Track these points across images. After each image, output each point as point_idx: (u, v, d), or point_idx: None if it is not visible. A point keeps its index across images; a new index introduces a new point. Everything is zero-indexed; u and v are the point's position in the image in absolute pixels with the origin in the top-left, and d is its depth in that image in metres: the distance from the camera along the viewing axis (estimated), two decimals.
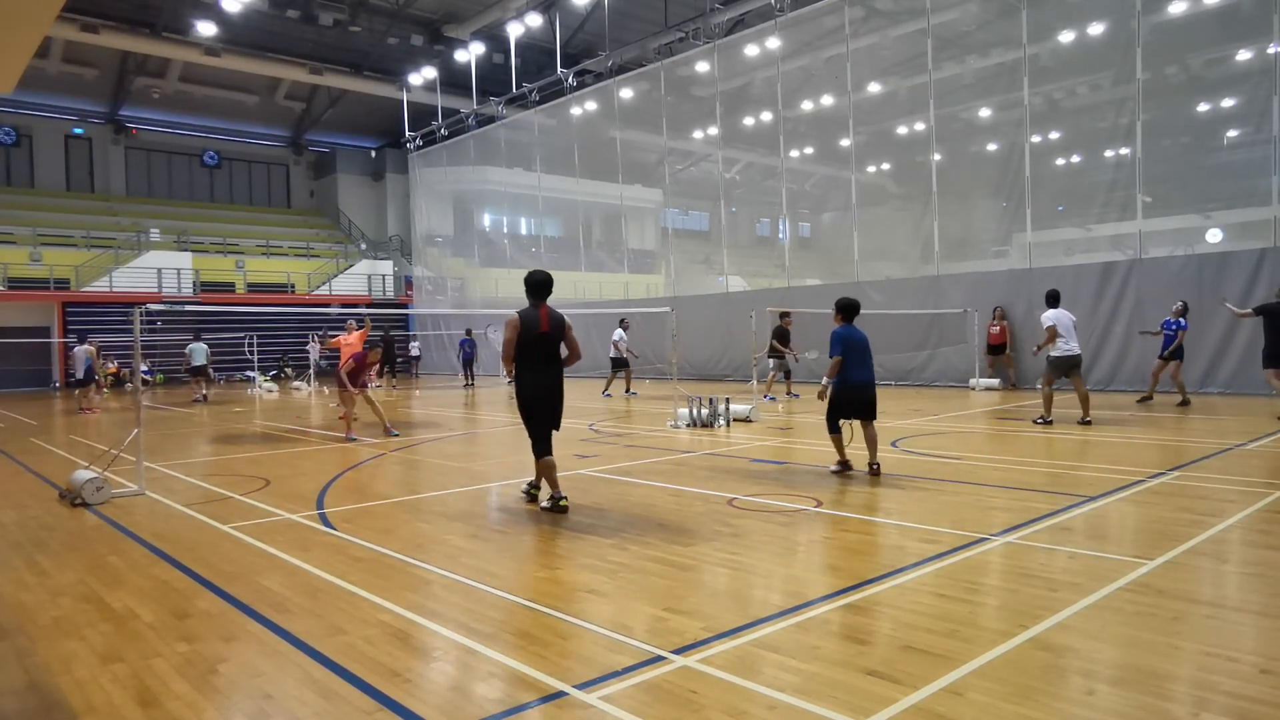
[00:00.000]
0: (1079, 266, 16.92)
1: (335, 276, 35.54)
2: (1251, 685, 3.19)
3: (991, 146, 19.73)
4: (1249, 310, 11.77)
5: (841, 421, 8.03)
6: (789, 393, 16.86)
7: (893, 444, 10.01)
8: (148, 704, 3.33)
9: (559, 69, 27.06)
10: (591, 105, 27.55)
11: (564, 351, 6.88)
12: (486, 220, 35.23)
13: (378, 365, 12.95)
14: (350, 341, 14.79)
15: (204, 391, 21.22)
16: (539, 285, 6.72)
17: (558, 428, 6.87)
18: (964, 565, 4.88)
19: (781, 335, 16.32)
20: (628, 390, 19.33)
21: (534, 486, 7.15)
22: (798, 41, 22.04)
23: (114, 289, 29.59)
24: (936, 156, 19.17)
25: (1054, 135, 18.92)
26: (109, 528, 6.56)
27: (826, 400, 8.00)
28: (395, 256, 38.73)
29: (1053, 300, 11.43)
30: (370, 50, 32.69)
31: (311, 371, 26.49)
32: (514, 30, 28.20)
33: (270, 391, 24.25)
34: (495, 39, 30.68)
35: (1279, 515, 5.87)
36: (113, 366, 26.60)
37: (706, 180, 26.25)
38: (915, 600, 4.30)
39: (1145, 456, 8.63)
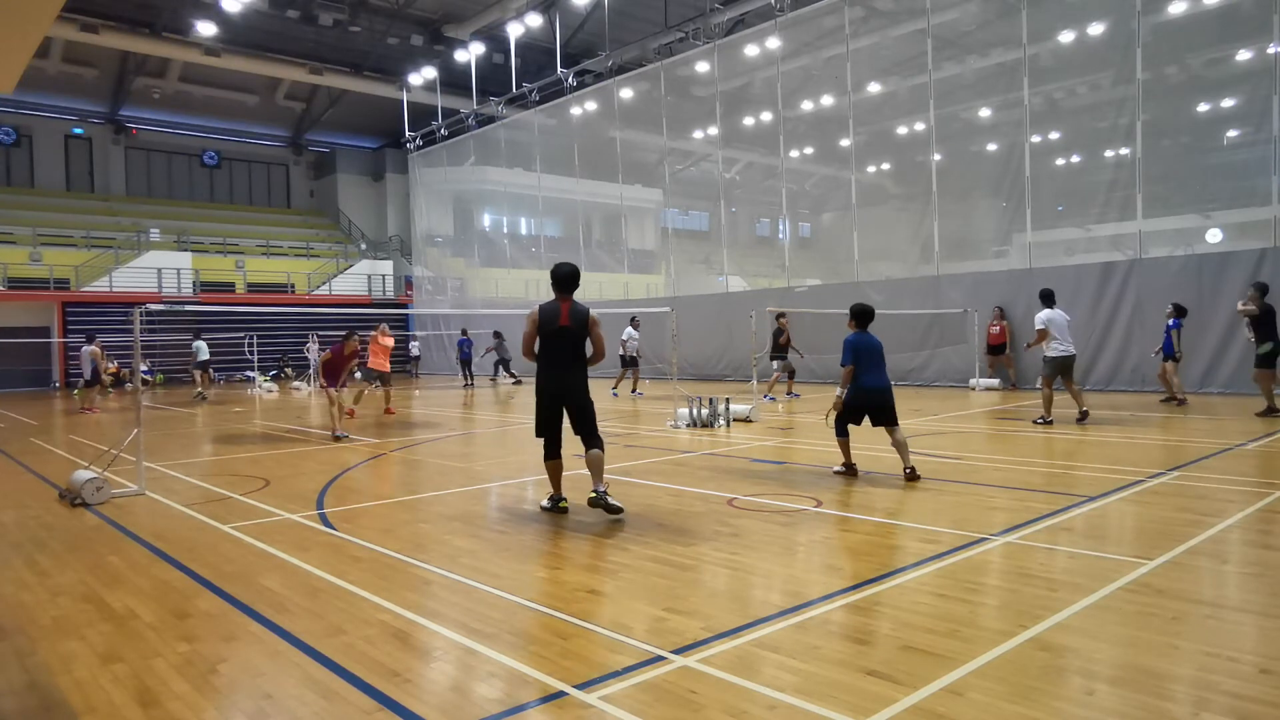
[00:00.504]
0: (1079, 266, 16.92)
1: (335, 276, 35.55)
2: (1251, 685, 3.19)
3: (991, 146, 19.73)
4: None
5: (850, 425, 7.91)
6: (789, 393, 16.86)
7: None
8: (148, 704, 3.32)
9: (559, 69, 27.07)
10: (591, 105, 27.55)
11: (590, 349, 6.52)
12: (486, 220, 35.23)
13: (355, 361, 12.99)
14: (383, 343, 15.03)
15: (200, 390, 21.32)
16: (562, 278, 6.38)
17: (578, 431, 6.44)
18: (964, 565, 4.88)
19: (781, 336, 16.35)
20: (634, 390, 19.33)
21: (558, 500, 6.67)
22: (798, 41, 22.04)
23: (114, 289, 29.60)
24: (936, 156, 19.17)
25: (1054, 135, 18.92)
26: (109, 528, 6.56)
27: (838, 407, 7.86)
28: (395, 256, 38.73)
29: (1047, 300, 11.48)
30: (370, 50, 32.70)
31: (311, 371, 26.47)
32: (514, 30, 28.20)
33: (270, 391, 24.25)
34: (495, 39, 30.68)
35: (1279, 515, 5.87)
36: (112, 366, 26.61)
37: (706, 180, 26.26)
38: (915, 600, 4.30)
39: (1145, 456, 8.63)
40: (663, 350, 18.49)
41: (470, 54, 29.85)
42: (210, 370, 21.99)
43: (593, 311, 6.50)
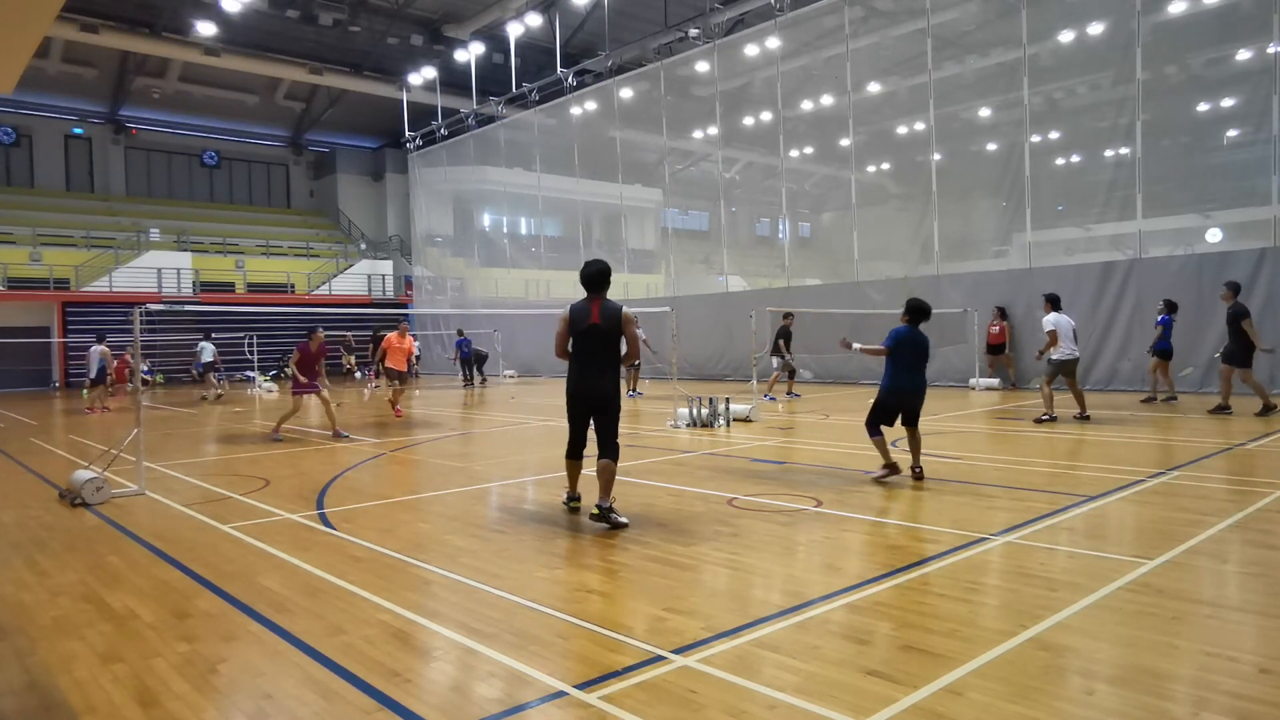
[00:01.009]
0: (1079, 266, 16.92)
1: (335, 276, 35.54)
2: (1251, 685, 3.19)
3: (991, 146, 19.73)
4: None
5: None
6: (789, 393, 16.86)
7: (893, 444, 10.00)
8: (148, 704, 3.33)
9: (559, 69, 27.07)
10: (591, 105, 27.55)
11: (624, 348, 6.37)
12: (486, 220, 35.23)
13: (320, 361, 12.97)
14: (399, 345, 14.95)
15: (204, 392, 21.38)
16: (591, 276, 6.22)
17: (601, 435, 6.25)
18: (964, 565, 4.88)
19: (785, 335, 16.34)
20: (633, 390, 19.32)
21: (573, 499, 6.63)
22: (797, 41, 22.04)
23: (114, 289, 29.59)
24: (936, 156, 19.17)
25: (1054, 135, 18.92)
26: (109, 528, 6.56)
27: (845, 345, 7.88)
28: (395, 256, 38.72)
29: (1054, 304, 11.70)
30: (370, 50, 32.69)
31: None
32: (514, 30, 28.19)
33: (270, 391, 24.25)
34: (495, 39, 30.67)
35: (1279, 515, 5.87)
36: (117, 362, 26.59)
37: (706, 180, 26.25)
38: (915, 600, 4.30)
39: (1145, 456, 8.63)
40: (663, 350, 18.47)
41: (470, 54, 29.84)
42: (212, 373, 22.04)
43: (626, 309, 6.31)
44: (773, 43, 21.87)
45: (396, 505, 7.26)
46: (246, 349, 26.51)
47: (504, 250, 33.05)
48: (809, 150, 24.38)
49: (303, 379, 12.54)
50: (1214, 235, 16.61)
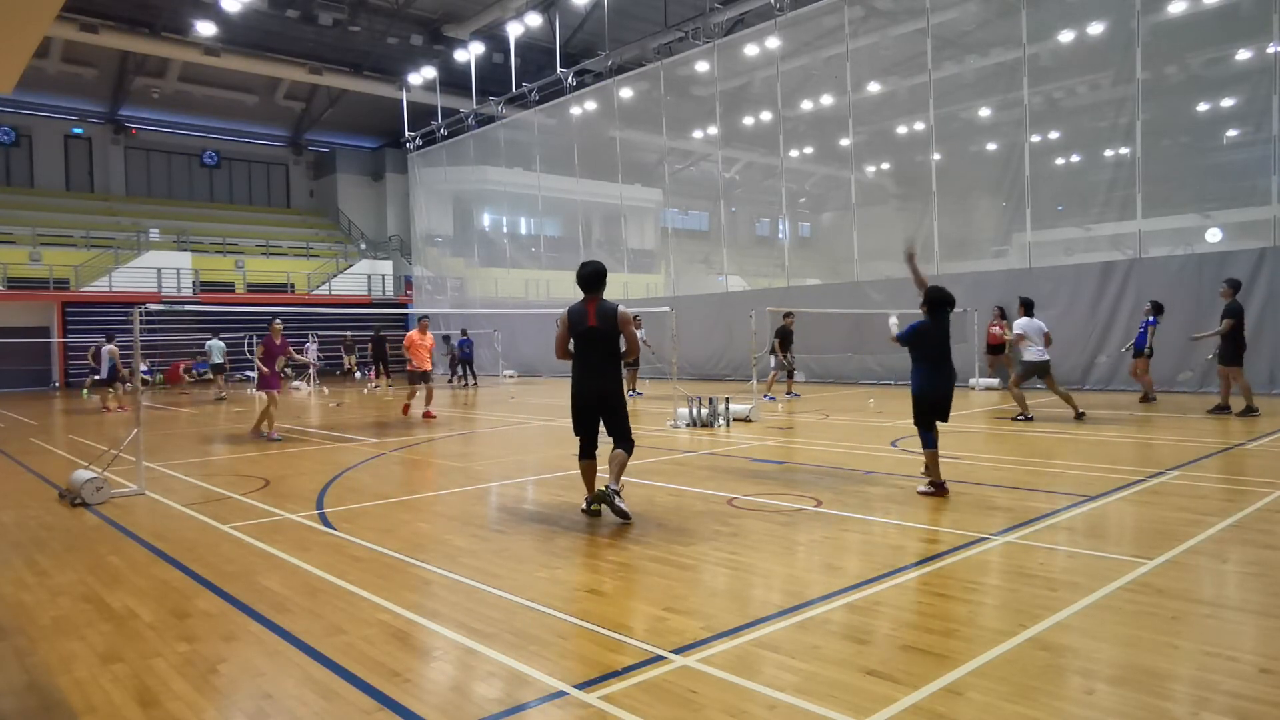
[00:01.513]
0: (1079, 266, 16.92)
1: (335, 276, 35.54)
2: (1251, 685, 3.19)
3: (991, 146, 19.74)
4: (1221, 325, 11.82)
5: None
6: (789, 392, 16.87)
7: (893, 444, 10.01)
8: (148, 704, 3.33)
9: (559, 69, 27.07)
10: (591, 105, 27.55)
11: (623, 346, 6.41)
12: (486, 220, 35.23)
13: (284, 357, 12.91)
14: (421, 342, 14.69)
15: (219, 392, 21.53)
16: (586, 278, 6.34)
17: (612, 433, 6.34)
18: (964, 565, 4.88)
19: (784, 335, 16.33)
20: (632, 390, 19.30)
21: (592, 503, 6.50)
22: (797, 41, 22.04)
23: (114, 289, 29.58)
24: (936, 156, 19.17)
25: (1054, 135, 18.92)
26: (109, 528, 6.56)
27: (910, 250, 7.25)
28: (395, 256, 38.72)
29: (1028, 308, 12.11)
30: (370, 50, 32.69)
31: (311, 372, 26.49)
32: (514, 30, 28.20)
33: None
34: (495, 39, 30.67)
35: (1279, 515, 5.87)
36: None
37: (706, 180, 26.26)
38: (915, 600, 4.30)
39: (1145, 456, 8.63)
40: (663, 350, 18.49)
41: (470, 54, 29.85)
42: (221, 374, 22.15)
43: (622, 308, 6.40)
44: (772, 43, 21.87)
45: (396, 505, 7.26)
46: (246, 349, 26.50)
47: (504, 250, 33.05)
48: (809, 150, 24.39)
49: (265, 371, 12.49)
50: (1214, 235, 16.62)
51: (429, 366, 15.19)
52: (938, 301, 6.92)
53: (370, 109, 37.49)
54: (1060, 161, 19.14)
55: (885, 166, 22.66)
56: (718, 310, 23.04)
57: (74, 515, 7.09)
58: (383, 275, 37.03)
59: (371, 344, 24.64)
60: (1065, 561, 4.90)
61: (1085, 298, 16.15)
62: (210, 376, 22.61)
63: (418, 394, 15.37)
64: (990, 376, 17.53)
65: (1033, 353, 11.67)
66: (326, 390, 24.52)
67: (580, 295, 6.44)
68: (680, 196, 28.57)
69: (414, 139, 34.73)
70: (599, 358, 6.29)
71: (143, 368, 19.33)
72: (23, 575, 5.26)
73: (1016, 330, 11.85)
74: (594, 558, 5.32)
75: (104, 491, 7.54)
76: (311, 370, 26.07)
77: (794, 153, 23.73)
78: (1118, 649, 3.57)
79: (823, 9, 20.75)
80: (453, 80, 32.26)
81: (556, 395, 20.02)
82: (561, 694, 3.28)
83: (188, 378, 28.47)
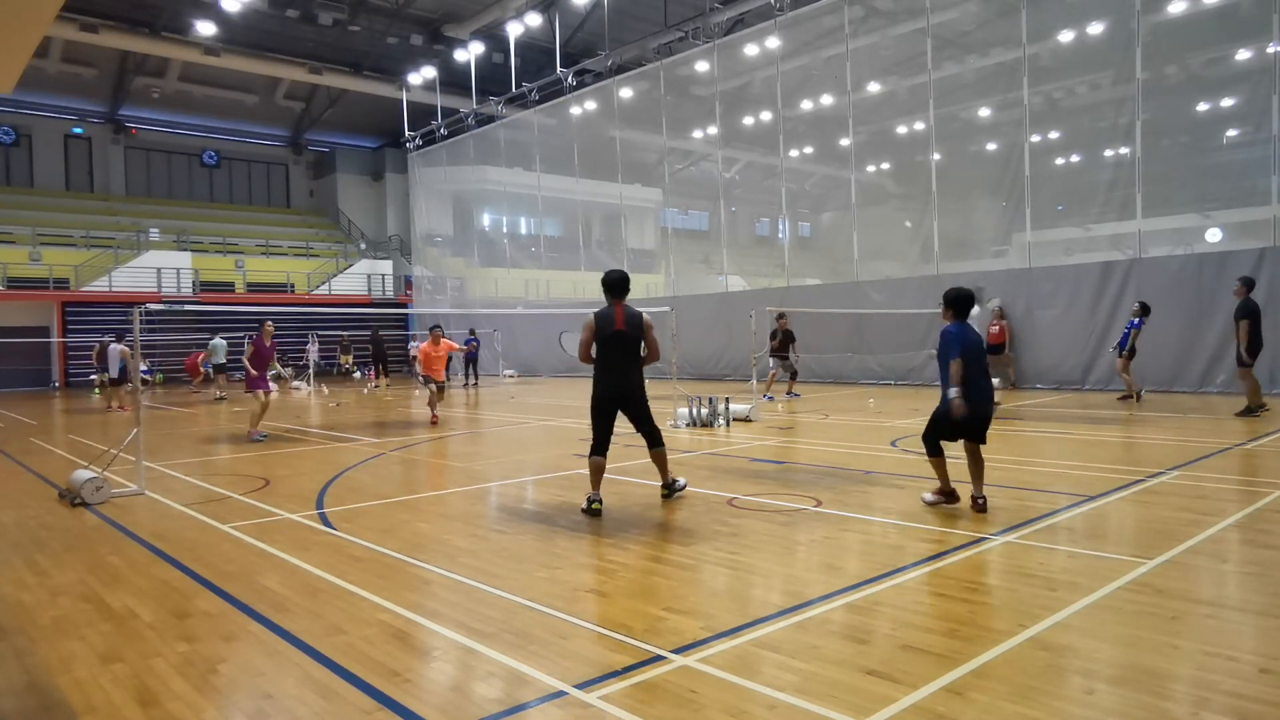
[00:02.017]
0: (1078, 266, 16.92)
1: (335, 276, 35.54)
2: (1251, 685, 3.19)
3: (991, 146, 19.74)
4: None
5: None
6: (789, 393, 16.87)
7: (892, 443, 10.01)
8: (148, 704, 3.33)
9: (559, 69, 27.06)
10: (591, 105, 27.55)
11: (644, 350, 6.68)
12: (486, 220, 35.23)
13: (273, 359, 12.84)
14: (434, 353, 14.32)
15: (220, 392, 21.53)
16: (613, 284, 6.61)
17: (639, 428, 6.73)
18: (964, 565, 4.88)
19: (779, 336, 16.33)
20: None
21: (593, 501, 6.54)
22: (797, 41, 22.04)
23: (113, 289, 29.59)
24: (936, 156, 19.17)
25: (1054, 135, 18.92)
26: (109, 527, 6.56)
27: (960, 412, 6.08)
28: (395, 256, 38.73)
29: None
30: (370, 50, 32.69)
31: (311, 372, 26.50)
32: (514, 30, 28.19)
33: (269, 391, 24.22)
34: (495, 39, 30.67)
35: (1279, 515, 5.87)
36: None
37: (706, 180, 26.26)
38: (915, 600, 4.30)
39: (1145, 456, 8.63)
40: (662, 350, 18.48)
41: (470, 53, 29.84)
42: (223, 374, 22.16)
43: (646, 315, 6.71)
44: (772, 42, 21.87)
45: (396, 505, 7.26)
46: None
47: (504, 250, 33.05)
48: (809, 150, 24.38)
49: (254, 372, 12.44)
50: (1214, 235, 16.62)
51: (443, 377, 14.74)
52: (958, 300, 6.21)
53: (370, 109, 37.49)
54: (1060, 161, 19.13)
55: (885, 166, 22.65)
56: (718, 310, 23.04)
57: (74, 515, 7.09)
58: (383, 275, 37.03)
59: (371, 344, 24.66)
60: (1065, 561, 4.90)
61: (1085, 298, 16.15)
62: (213, 376, 22.61)
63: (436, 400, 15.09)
64: (990, 377, 17.53)
65: None
66: (326, 390, 24.51)
67: (591, 299, 6.55)
68: (680, 196, 28.58)
69: (414, 139, 34.73)
70: (624, 360, 6.61)
71: (143, 367, 19.33)
72: (23, 575, 5.26)
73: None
74: (594, 558, 5.32)
75: (104, 491, 7.54)
76: (311, 370, 26.08)
77: (794, 153, 23.72)
78: (1118, 649, 3.57)
79: (823, 9, 20.74)
80: (453, 80, 32.26)
81: (556, 395, 20.03)
82: (561, 694, 3.28)
83: (204, 371, 28.43)
